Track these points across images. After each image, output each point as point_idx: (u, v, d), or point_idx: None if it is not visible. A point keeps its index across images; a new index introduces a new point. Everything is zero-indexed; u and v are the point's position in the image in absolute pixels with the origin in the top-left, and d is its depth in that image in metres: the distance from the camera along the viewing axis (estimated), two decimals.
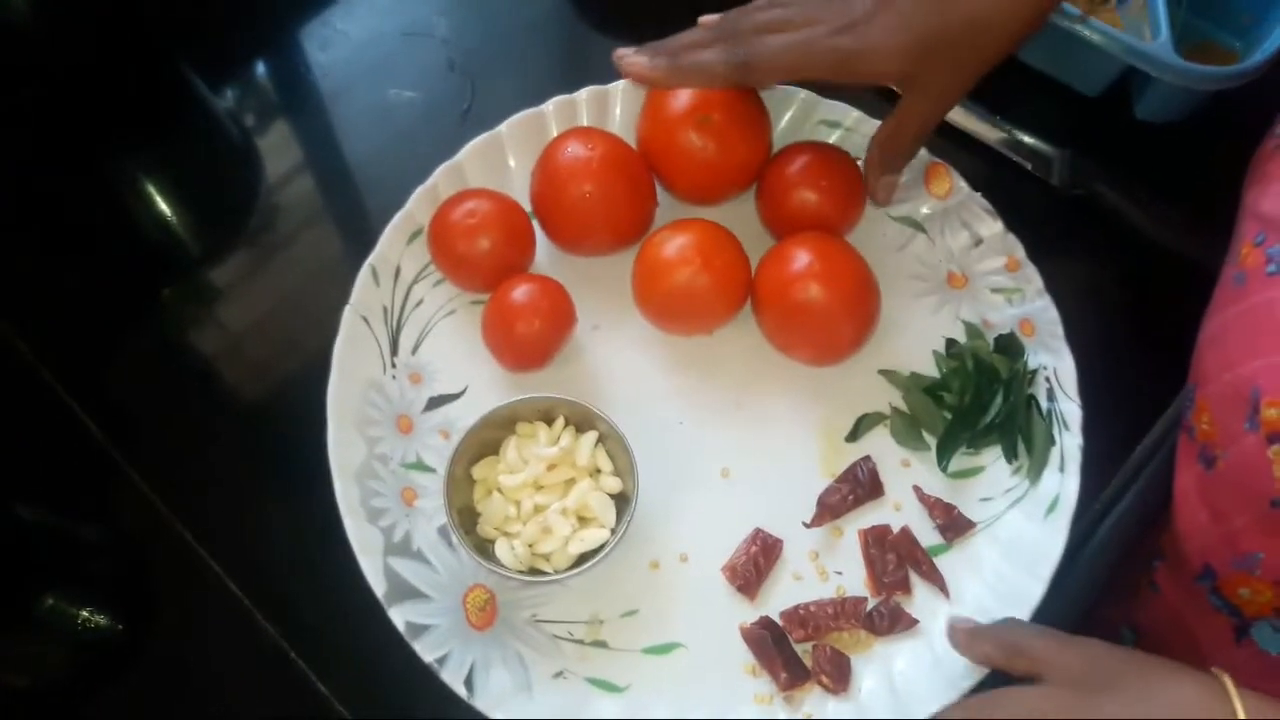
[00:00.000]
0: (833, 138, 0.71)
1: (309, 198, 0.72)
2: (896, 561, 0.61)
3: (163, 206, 0.72)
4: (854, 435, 0.65)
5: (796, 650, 0.59)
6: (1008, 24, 0.57)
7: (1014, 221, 0.68)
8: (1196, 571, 0.54)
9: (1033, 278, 0.66)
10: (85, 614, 0.59)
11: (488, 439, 0.60)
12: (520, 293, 0.63)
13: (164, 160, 0.73)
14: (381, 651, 0.58)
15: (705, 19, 0.64)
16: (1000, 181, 0.71)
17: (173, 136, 0.74)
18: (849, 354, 0.64)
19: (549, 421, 0.61)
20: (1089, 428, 0.63)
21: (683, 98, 0.64)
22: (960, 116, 0.74)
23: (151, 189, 0.72)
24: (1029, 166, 0.74)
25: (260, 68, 0.78)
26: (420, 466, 0.63)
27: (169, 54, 0.76)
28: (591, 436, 0.60)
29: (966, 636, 0.57)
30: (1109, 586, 0.65)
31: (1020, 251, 0.67)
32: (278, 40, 0.78)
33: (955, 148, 0.72)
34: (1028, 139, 0.74)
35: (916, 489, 0.63)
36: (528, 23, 0.79)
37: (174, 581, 0.62)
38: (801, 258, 0.62)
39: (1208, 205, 0.61)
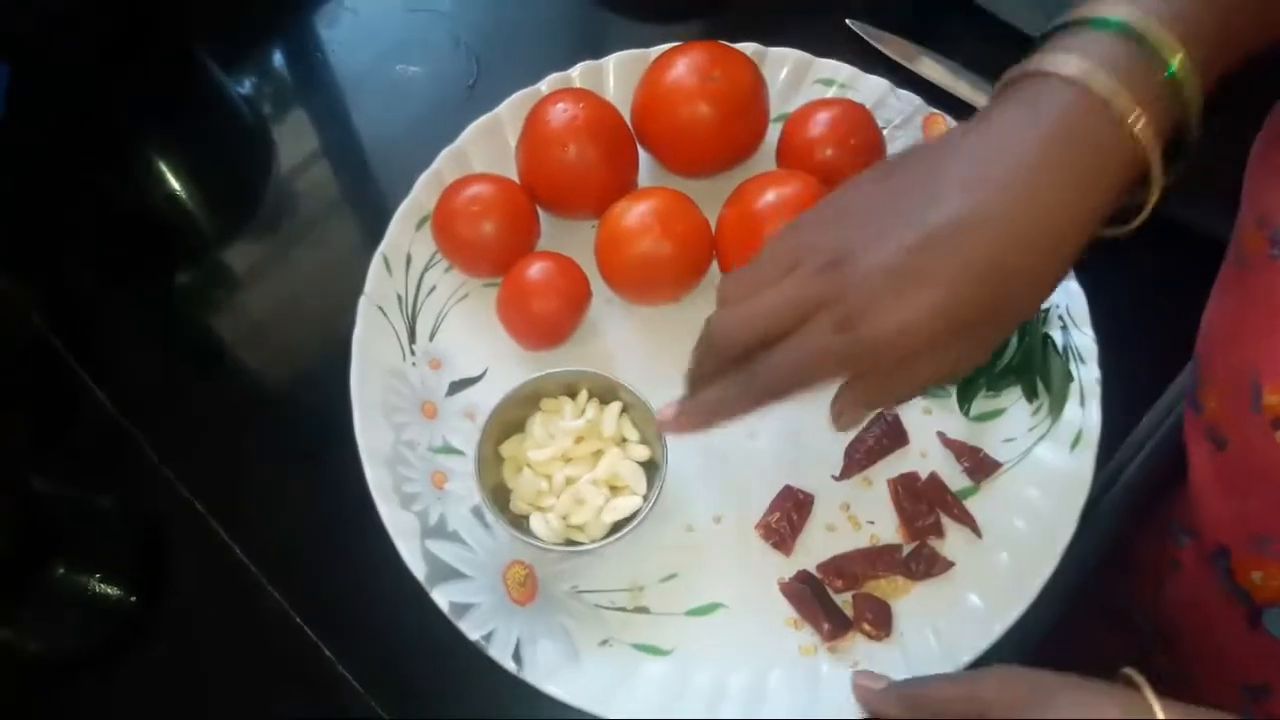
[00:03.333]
0: (829, 94, 0.71)
1: (321, 176, 0.73)
2: (928, 507, 0.61)
3: (177, 188, 0.73)
4: None
5: (836, 601, 0.60)
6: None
7: None
8: (1213, 550, 0.54)
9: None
10: (98, 584, 0.60)
11: (513, 418, 0.61)
12: (535, 271, 0.63)
13: (179, 142, 0.74)
14: (394, 622, 0.59)
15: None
16: None
17: (187, 118, 0.75)
18: None
19: (572, 395, 0.61)
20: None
21: (680, 68, 0.65)
22: (964, 88, 0.75)
23: (166, 170, 0.73)
24: None
25: (270, 46, 0.79)
26: (448, 450, 0.63)
27: (183, 36, 0.77)
28: (616, 407, 0.61)
29: (871, 697, 0.52)
30: (1127, 564, 0.65)
31: None
32: (288, 20, 0.79)
33: (958, 120, 0.72)
34: None
35: (940, 435, 0.64)
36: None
37: (187, 554, 0.62)
38: (758, 197, 0.63)
39: (1215, 182, 0.60)
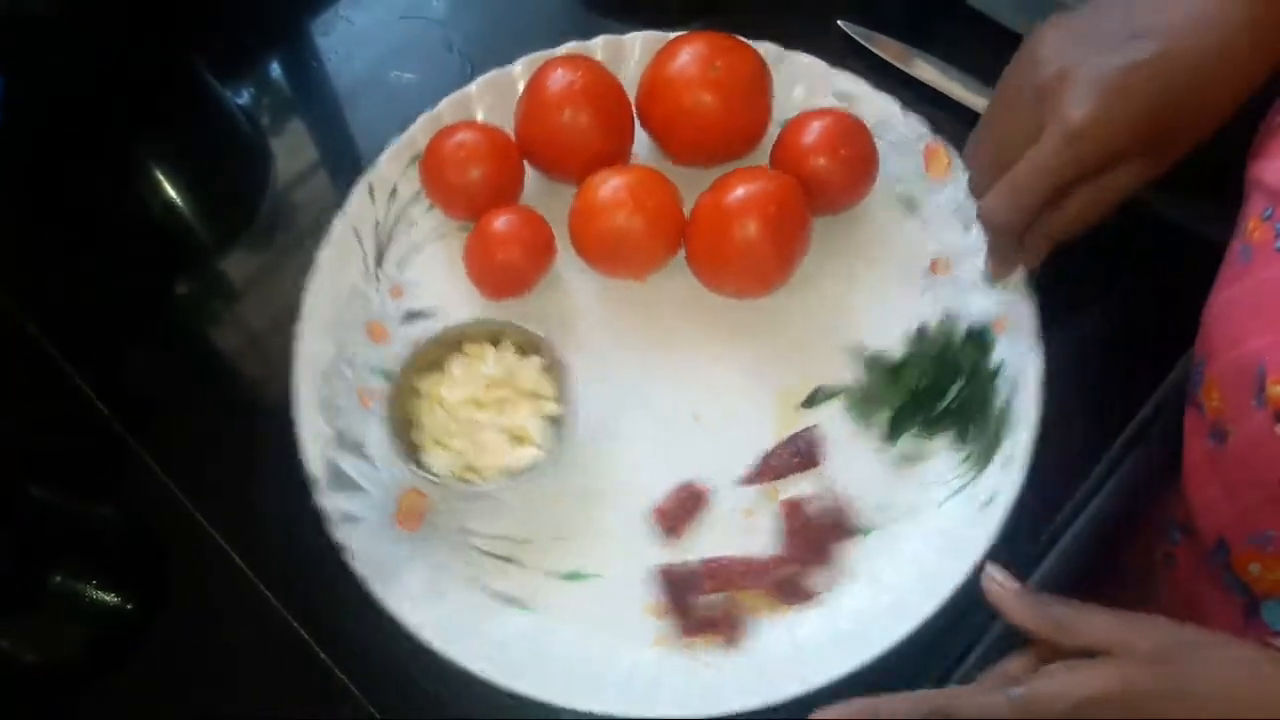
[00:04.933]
0: (838, 104, 0.70)
1: (319, 184, 0.74)
2: (815, 534, 0.61)
3: (174, 197, 0.73)
4: (810, 402, 0.65)
5: (704, 600, 0.60)
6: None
7: None
8: (1211, 545, 0.54)
9: (1016, 272, 0.65)
10: (96, 593, 0.60)
11: (440, 357, 0.63)
12: (502, 221, 0.65)
13: (176, 152, 0.75)
14: (393, 634, 0.58)
15: None
16: None
17: (184, 128, 0.76)
18: (773, 283, 0.65)
19: (496, 344, 0.63)
20: (1091, 398, 0.63)
21: (686, 55, 0.66)
22: (958, 89, 0.74)
23: (164, 180, 0.73)
24: None
25: (266, 55, 0.80)
26: (383, 373, 0.65)
27: (180, 45, 0.76)
28: (536, 362, 0.62)
29: (1011, 598, 0.50)
30: (1120, 563, 0.64)
31: None
32: (284, 29, 0.80)
33: (954, 122, 0.72)
34: None
35: (857, 467, 0.63)
36: (521, 2, 0.80)
37: (186, 563, 0.63)
38: (733, 189, 0.64)
39: (1211, 178, 0.58)
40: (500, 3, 0.80)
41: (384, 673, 0.59)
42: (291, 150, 0.71)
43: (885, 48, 0.75)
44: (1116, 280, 0.69)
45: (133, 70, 0.72)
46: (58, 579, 0.59)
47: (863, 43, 0.75)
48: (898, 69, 0.74)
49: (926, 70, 0.74)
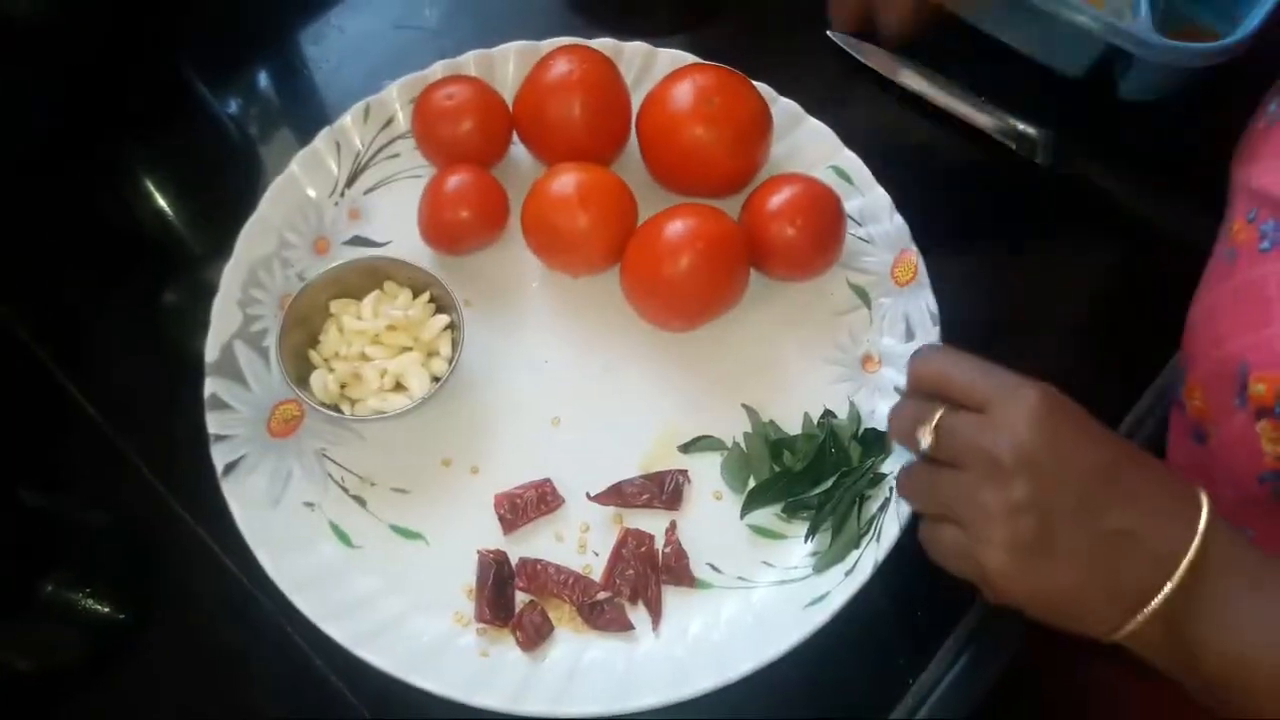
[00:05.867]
0: (837, 184, 0.69)
1: None
2: (641, 570, 0.61)
3: (164, 205, 0.73)
4: (687, 447, 0.65)
5: (518, 596, 0.61)
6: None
7: (1002, 204, 0.72)
8: None
9: None
10: (89, 599, 0.60)
11: (359, 284, 0.65)
12: (455, 180, 0.66)
13: (166, 160, 0.74)
14: None
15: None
16: (986, 164, 0.73)
17: (174, 136, 0.75)
18: (691, 321, 0.66)
19: (417, 292, 0.65)
20: (1077, 400, 0.61)
21: (684, 91, 0.67)
22: (945, 99, 0.75)
23: (153, 188, 0.73)
24: (1014, 148, 0.74)
25: (257, 65, 0.79)
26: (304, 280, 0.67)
27: (170, 54, 0.75)
28: (443, 319, 0.64)
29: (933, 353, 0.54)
30: None
31: None
32: (274, 38, 0.79)
33: (940, 131, 0.73)
34: (1013, 121, 0.74)
35: (709, 523, 0.63)
36: (515, 12, 0.80)
37: (179, 568, 0.63)
38: (675, 220, 0.64)
39: (1194, 182, 0.61)
40: (493, 12, 0.80)
41: (375, 673, 0.58)
42: (281, 160, 0.69)
43: (875, 58, 0.76)
44: (1099, 284, 0.71)
45: (121, 77, 0.70)
46: (50, 586, 0.59)
47: (853, 54, 0.76)
48: (890, 80, 0.76)
49: (916, 81, 0.76)
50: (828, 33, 0.77)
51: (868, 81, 0.76)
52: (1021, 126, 0.74)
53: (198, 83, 0.76)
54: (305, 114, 0.76)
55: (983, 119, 0.75)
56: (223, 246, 0.67)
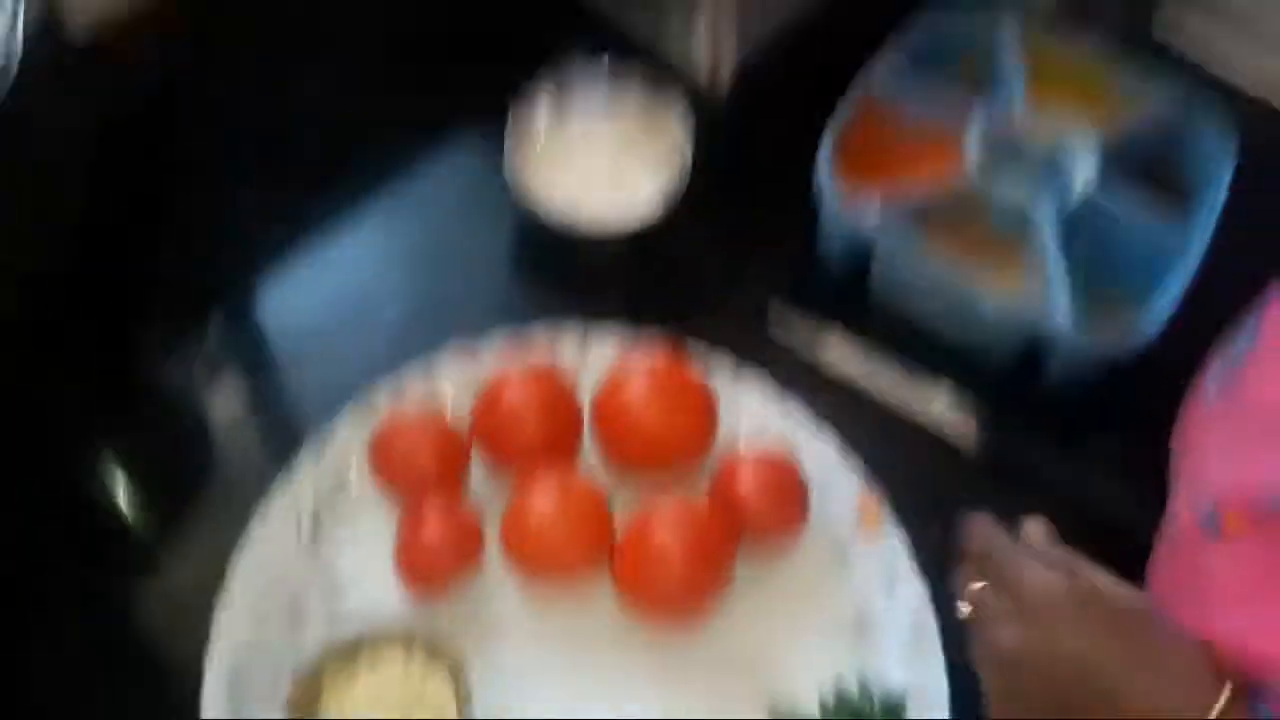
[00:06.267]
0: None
1: (255, 455, 0.73)
2: None
3: (113, 484, 0.74)
4: None
5: None
6: None
7: (931, 492, 0.70)
8: None
9: (935, 650, 0.65)
10: None
11: (353, 653, 0.63)
12: (431, 530, 0.66)
13: (114, 431, 0.75)
14: None
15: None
16: (915, 452, 0.73)
17: (123, 407, 0.76)
18: (692, 609, 0.66)
19: (409, 647, 0.63)
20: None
21: (637, 374, 0.69)
22: (871, 385, 0.75)
23: (104, 463, 0.74)
24: (945, 435, 0.74)
25: (209, 331, 0.78)
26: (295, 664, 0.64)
27: (119, 316, 0.77)
28: (443, 670, 0.63)
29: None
30: None
31: (931, 620, 0.66)
32: (229, 289, 0.80)
33: (868, 424, 0.73)
34: (941, 408, 0.74)
35: None
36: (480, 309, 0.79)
37: None
38: (661, 514, 0.66)
39: (1128, 464, 0.63)
40: (449, 279, 0.81)
41: None
42: (228, 419, 0.71)
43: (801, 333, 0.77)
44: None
45: (69, 346, 0.71)
46: None
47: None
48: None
49: (841, 355, 0.76)
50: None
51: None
52: (951, 413, 0.74)
53: (149, 346, 0.76)
54: (256, 369, 0.76)
55: (911, 406, 0.74)
56: (165, 524, 0.67)
